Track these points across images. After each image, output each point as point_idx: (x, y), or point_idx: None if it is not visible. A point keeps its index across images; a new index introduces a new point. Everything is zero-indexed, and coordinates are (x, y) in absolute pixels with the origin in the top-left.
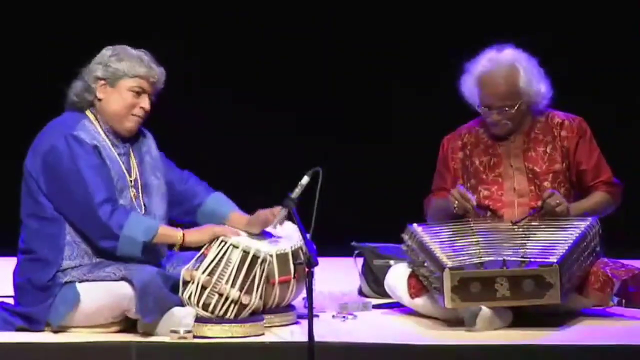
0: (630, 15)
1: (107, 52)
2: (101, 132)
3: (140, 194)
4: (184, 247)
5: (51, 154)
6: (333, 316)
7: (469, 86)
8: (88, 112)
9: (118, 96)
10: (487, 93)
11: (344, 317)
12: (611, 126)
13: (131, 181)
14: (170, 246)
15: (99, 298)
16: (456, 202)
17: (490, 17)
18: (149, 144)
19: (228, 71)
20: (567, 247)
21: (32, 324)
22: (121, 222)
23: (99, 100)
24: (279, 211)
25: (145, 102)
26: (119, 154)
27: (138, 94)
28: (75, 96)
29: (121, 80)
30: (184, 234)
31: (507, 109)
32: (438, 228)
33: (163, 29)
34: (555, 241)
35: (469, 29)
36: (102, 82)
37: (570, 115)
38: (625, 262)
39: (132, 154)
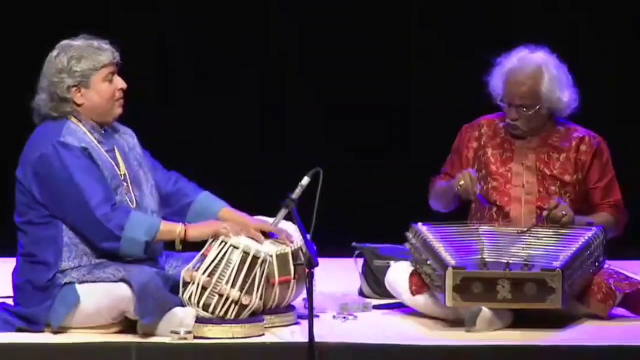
0: (631, 14)
1: (62, 57)
2: (86, 132)
3: (131, 188)
4: (184, 244)
5: (41, 163)
6: (333, 317)
7: (495, 79)
8: (71, 117)
9: (96, 92)
10: (509, 90)
11: (344, 317)
12: (611, 126)
13: (122, 175)
14: (171, 244)
15: (98, 299)
16: (462, 182)
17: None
18: (132, 141)
19: (231, 72)
20: (570, 254)
21: (32, 324)
22: (122, 223)
23: (79, 105)
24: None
25: (120, 83)
26: (106, 151)
27: (110, 80)
28: (52, 111)
29: (92, 77)
30: (185, 229)
31: (524, 109)
32: (443, 228)
33: (162, 30)
34: (559, 247)
35: (468, 30)
36: (75, 88)
37: (592, 132)
38: (628, 263)
39: (116, 150)
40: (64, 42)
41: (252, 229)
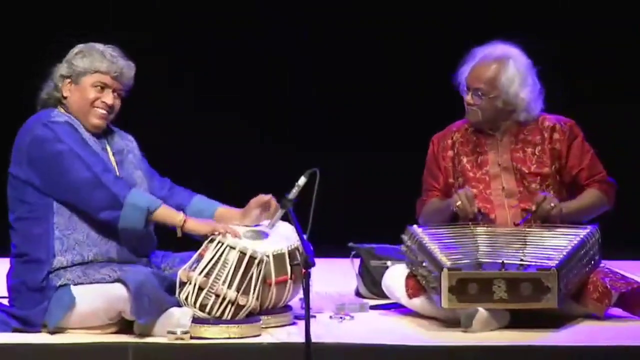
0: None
1: (75, 49)
2: (75, 125)
3: None
4: (183, 237)
5: (34, 145)
6: (330, 317)
7: (464, 67)
8: (59, 108)
9: (80, 93)
10: (471, 73)
11: (341, 317)
12: (610, 125)
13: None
14: (169, 244)
15: (94, 300)
16: (459, 202)
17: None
18: (131, 144)
19: (231, 72)
20: (566, 253)
21: (28, 326)
22: (125, 190)
23: (65, 98)
24: (275, 204)
25: (107, 97)
26: (98, 149)
27: (102, 89)
28: (46, 94)
29: (83, 77)
30: (185, 219)
31: (480, 93)
32: (438, 230)
33: (162, 30)
34: (555, 247)
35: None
36: (67, 80)
37: (562, 118)
38: (624, 263)
39: (109, 150)
40: (93, 43)
41: (253, 206)
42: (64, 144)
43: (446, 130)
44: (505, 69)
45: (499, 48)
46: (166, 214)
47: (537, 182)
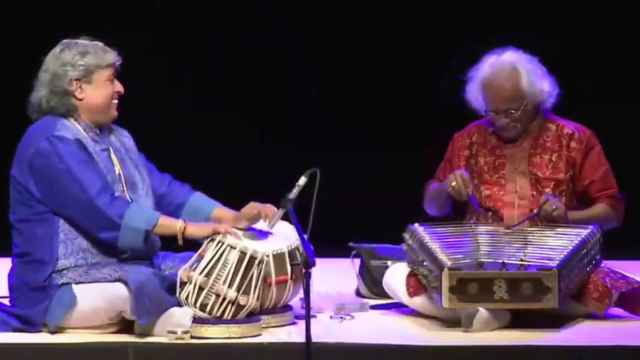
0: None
1: (67, 52)
2: (81, 130)
3: (126, 189)
4: (184, 243)
5: (37, 157)
6: (330, 317)
7: (473, 93)
8: (69, 120)
9: (97, 89)
10: (491, 98)
11: (341, 317)
12: (610, 126)
13: (117, 175)
14: (169, 244)
15: (95, 299)
16: (454, 182)
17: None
18: (129, 142)
19: (232, 72)
20: (567, 253)
21: (29, 325)
22: (121, 212)
23: (80, 100)
24: (270, 209)
25: (119, 86)
26: (100, 150)
27: (112, 81)
28: (58, 105)
29: (95, 74)
30: (185, 226)
31: (513, 111)
32: (439, 228)
33: (162, 31)
34: (556, 246)
35: (465, 32)
36: (77, 82)
37: (582, 127)
38: (624, 263)
39: (111, 150)
40: (67, 40)
41: (244, 218)
42: (63, 164)
43: (466, 129)
44: (520, 76)
45: (500, 61)
46: (165, 225)
47: (551, 188)
